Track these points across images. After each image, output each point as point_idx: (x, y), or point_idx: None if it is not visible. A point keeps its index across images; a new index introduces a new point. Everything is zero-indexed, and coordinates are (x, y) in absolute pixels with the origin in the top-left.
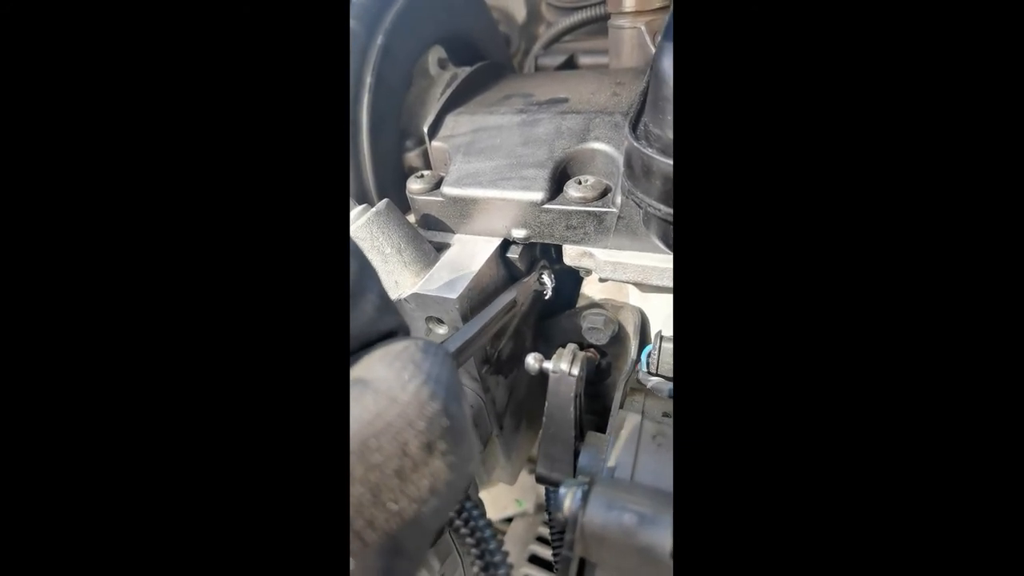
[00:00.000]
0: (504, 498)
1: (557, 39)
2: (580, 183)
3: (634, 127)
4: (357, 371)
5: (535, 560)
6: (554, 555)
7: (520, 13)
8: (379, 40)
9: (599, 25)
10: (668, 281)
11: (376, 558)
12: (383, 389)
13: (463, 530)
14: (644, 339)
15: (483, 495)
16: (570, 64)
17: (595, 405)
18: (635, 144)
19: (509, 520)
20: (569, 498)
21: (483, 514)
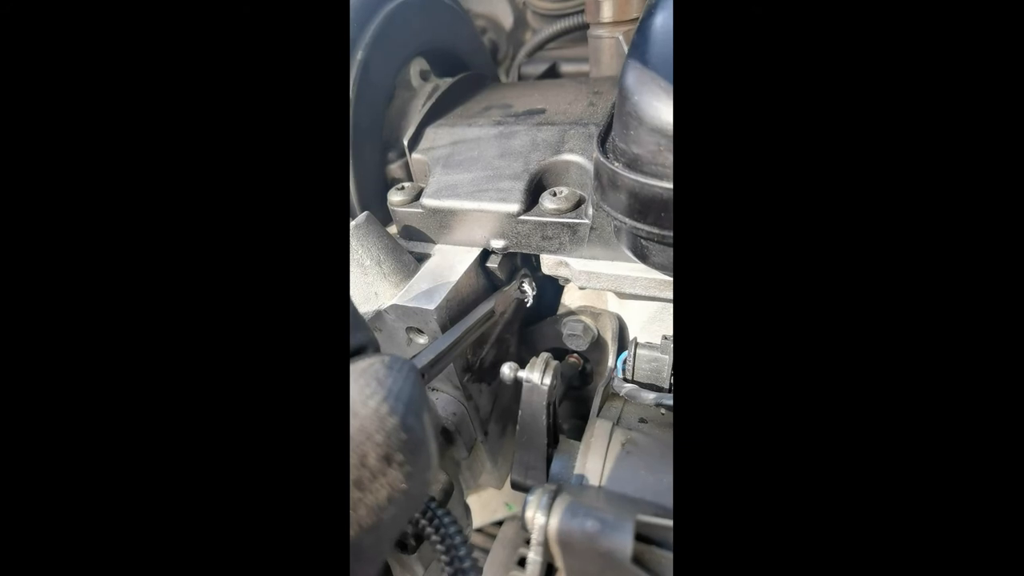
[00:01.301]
0: (494, 502)
1: (540, 47)
2: (555, 195)
3: (603, 142)
4: None
5: (525, 563)
6: None
7: (507, 20)
8: (359, 55)
9: (580, 33)
10: (641, 290)
11: None
12: None
13: (433, 537)
14: (622, 345)
15: (472, 499)
16: (552, 72)
17: (580, 410)
18: (602, 159)
19: (499, 523)
20: (534, 505)
21: (454, 521)
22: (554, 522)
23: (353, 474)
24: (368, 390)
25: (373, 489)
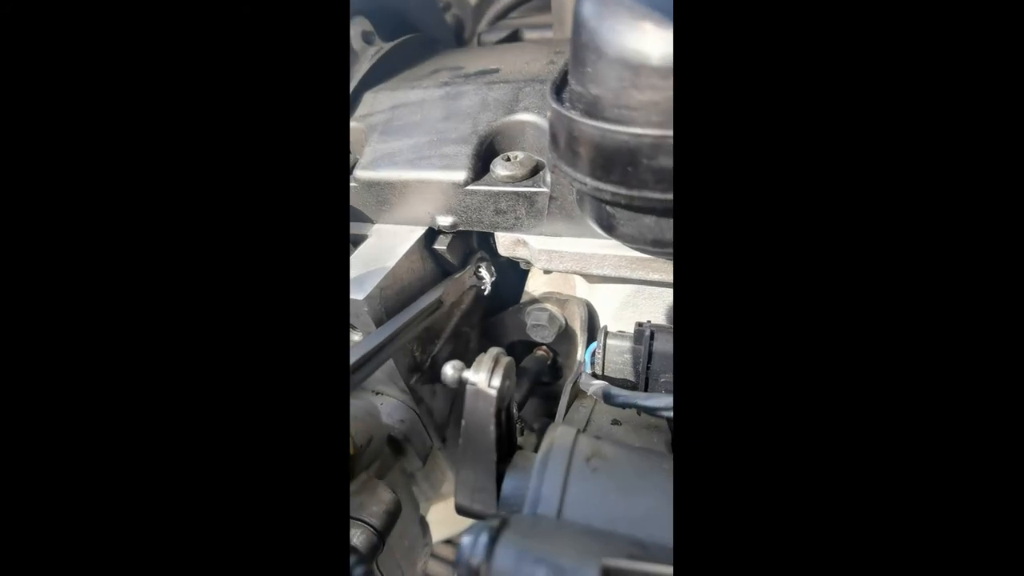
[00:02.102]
0: None
1: (503, 15)
2: (508, 160)
3: (559, 89)
4: None
5: None
6: None
7: None
8: None
9: (543, 2)
10: (610, 270)
11: None
12: None
13: None
14: (592, 335)
15: (435, 509)
16: (515, 39)
17: (552, 407)
18: (557, 107)
19: None
20: (472, 547)
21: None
22: (496, 567)
23: None
24: None
25: None
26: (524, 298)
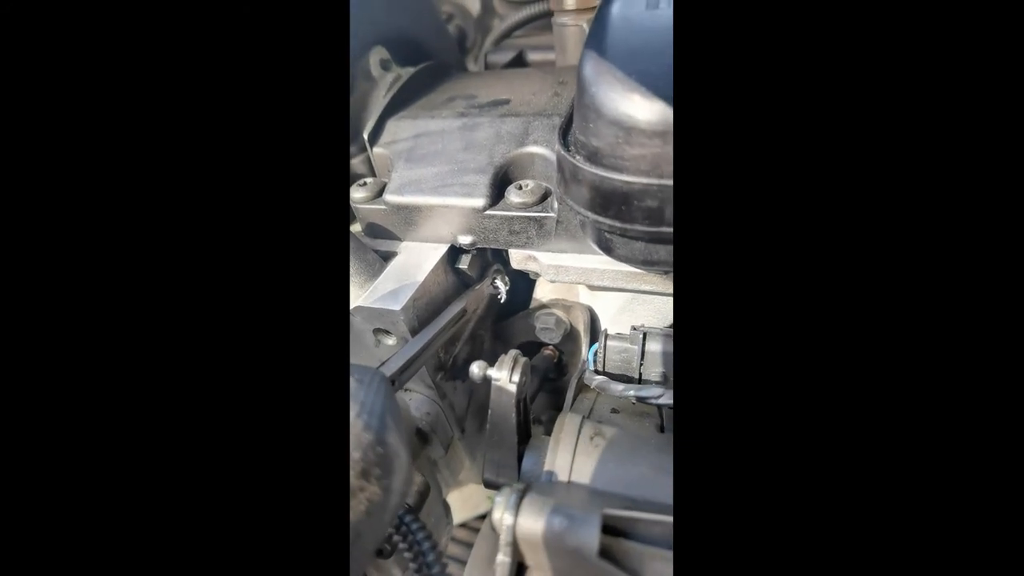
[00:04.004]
0: (476, 496)
1: (506, 36)
2: (520, 188)
3: (564, 134)
4: None
5: None
6: None
7: (474, 7)
8: None
9: (547, 21)
10: (609, 282)
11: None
12: None
13: (401, 545)
14: (594, 336)
15: (454, 495)
16: (519, 61)
17: (558, 401)
18: (564, 152)
19: (482, 517)
20: (502, 506)
21: (422, 527)
22: (522, 521)
23: None
24: None
25: (352, 504)
26: (532, 304)
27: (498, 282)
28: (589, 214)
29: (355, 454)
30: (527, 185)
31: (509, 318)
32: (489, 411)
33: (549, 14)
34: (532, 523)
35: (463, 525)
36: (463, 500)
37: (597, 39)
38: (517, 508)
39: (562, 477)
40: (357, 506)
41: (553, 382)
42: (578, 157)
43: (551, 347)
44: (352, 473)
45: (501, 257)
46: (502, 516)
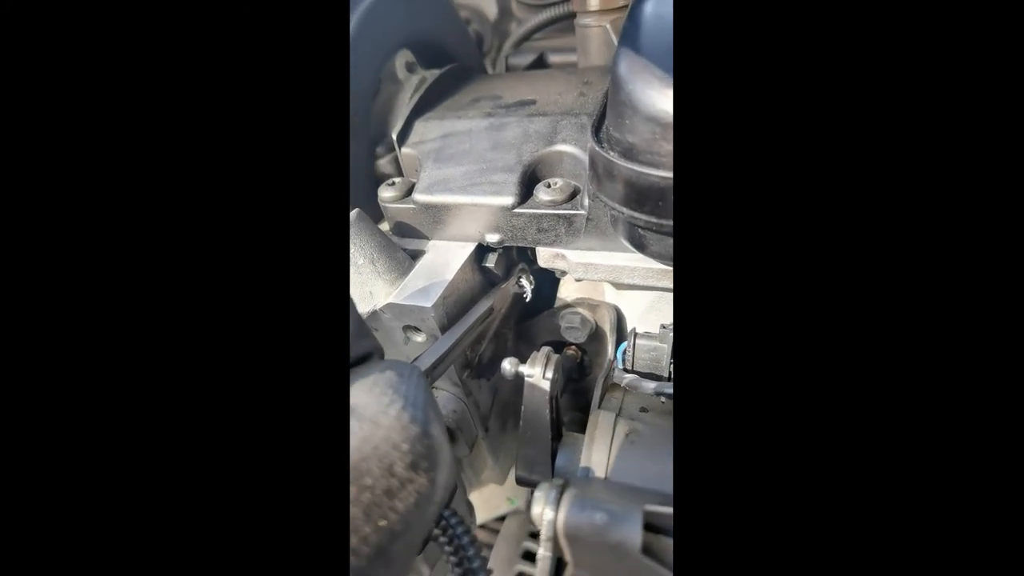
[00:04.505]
0: (496, 497)
1: (526, 38)
2: (549, 186)
3: (596, 131)
4: None
5: (530, 556)
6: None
7: (492, 10)
8: None
9: (568, 23)
10: (639, 280)
11: (369, 570)
12: (367, 415)
13: (441, 538)
14: (621, 336)
15: (474, 496)
16: (540, 63)
17: (580, 401)
18: (597, 148)
19: (502, 519)
20: (542, 500)
21: (461, 521)
22: (562, 516)
23: (383, 484)
24: (386, 399)
25: (401, 497)
26: (557, 303)
27: (523, 281)
28: (624, 210)
29: (403, 446)
30: (556, 183)
31: (532, 318)
32: (522, 407)
33: (571, 15)
34: (573, 518)
35: (482, 526)
36: (483, 501)
37: (632, 37)
38: (558, 502)
39: (599, 474)
40: (407, 498)
41: (575, 383)
42: (612, 153)
43: (574, 347)
44: (401, 465)
45: (526, 256)
46: (543, 511)
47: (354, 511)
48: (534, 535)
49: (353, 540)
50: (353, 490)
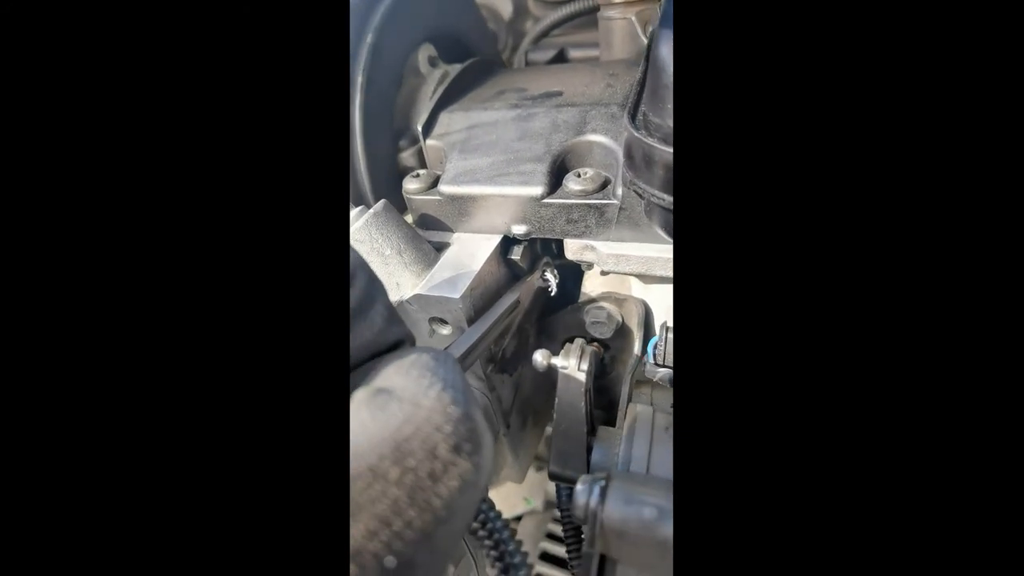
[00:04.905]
0: (513, 496)
1: (546, 34)
2: (579, 176)
3: (633, 117)
4: (376, 382)
5: (546, 557)
6: (568, 552)
7: (506, 9)
8: (369, 39)
9: (588, 19)
10: (672, 271)
11: (414, 555)
12: (407, 396)
13: (480, 532)
14: (648, 331)
15: (492, 494)
16: (560, 58)
17: (600, 400)
18: (635, 134)
19: (519, 518)
20: (587, 494)
21: (499, 515)
22: (609, 510)
23: (426, 466)
24: (425, 381)
25: (445, 480)
26: (581, 298)
27: (548, 275)
28: (664, 196)
29: (446, 427)
30: (586, 173)
31: (554, 313)
32: (556, 400)
33: (593, 10)
34: (620, 513)
35: None
36: (500, 500)
37: (671, 20)
38: (603, 497)
39: (640, 467)
40: (450, 482)
41: (598, 379)
42: (652, 138)
43: (596, 343)
44: (444, 447)
45: (550, 250)
46: (587, 504)
47: (398, 493)
48: (551, 535)
49: (397, 523)
50: (396, 471)
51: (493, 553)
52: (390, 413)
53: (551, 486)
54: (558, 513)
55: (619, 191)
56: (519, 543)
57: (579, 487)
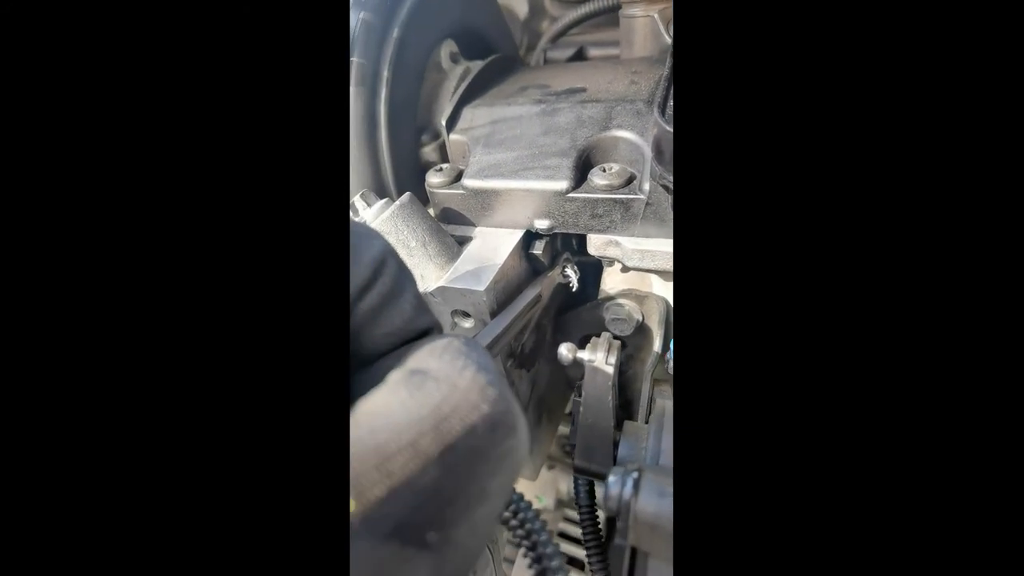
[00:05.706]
0: (526, 494)
1: (564, 32)
2: (605, 171)
3: (663, 111)
4: (409, 364)
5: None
6: (587, 549)
7: (522, 9)
8: (395, 33)
9: (606, 17)
10: None
11: (455, 533)
12: (442, 377)
13: (512, 521)
14: (669, 329)
15: None
16: (580, 56)
17: (619, 397)
18: (666, 128)
19: None
20: (620, 485)
21: (530, 504)
22: (642, 503)
23: (466, 443)
24: (459, 363)
25: (484, 459)
26: (600, 295)
27: (568, 270)
28: None
29: (483, 407)
30: (611, 168)
31: (572, 310)
32: (583, 394)
33: (614, 8)
34: (654, 506)
35: None
36: None
37: None
38: (636, 490)
39: (667, 463)
40: (489, 461)
41: (620, 376)
42: None
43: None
44: (483, 427)
45: (571, 246)
46: (620, 495)
47: (439, 470)
48: (563, 535)
49: (438, 500)
50: (436, 448)
51: (525, 543)
52: (427, 392)
53: (562, 485)
54: (570, 512)
55: (645, 186)
56: (551, 533)
57: (611, 479)
